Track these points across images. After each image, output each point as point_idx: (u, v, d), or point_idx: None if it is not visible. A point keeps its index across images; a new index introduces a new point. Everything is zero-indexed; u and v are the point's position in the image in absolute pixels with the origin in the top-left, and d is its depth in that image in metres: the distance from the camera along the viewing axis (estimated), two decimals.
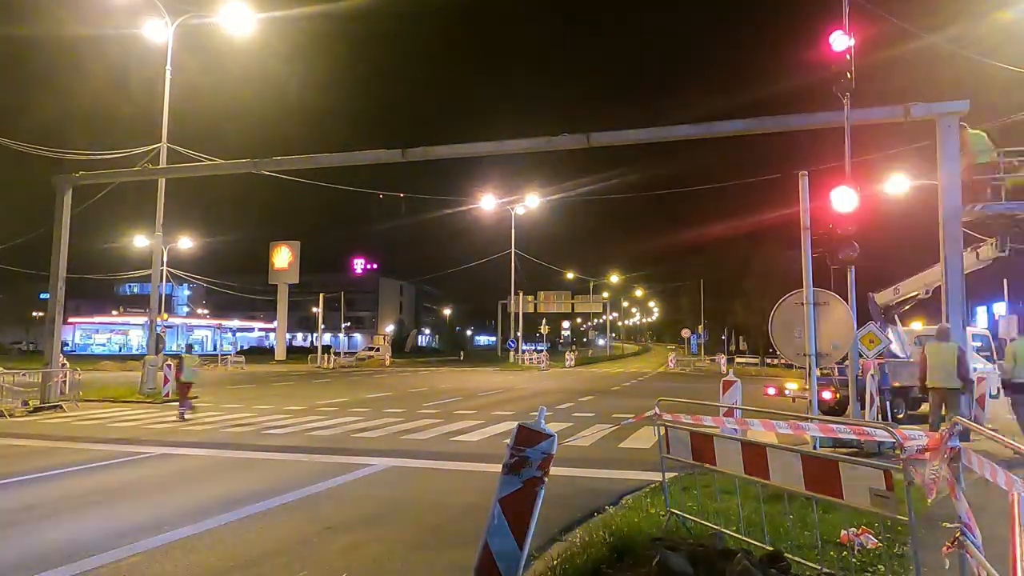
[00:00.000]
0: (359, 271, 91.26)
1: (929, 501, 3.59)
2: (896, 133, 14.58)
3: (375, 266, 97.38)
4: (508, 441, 3.97)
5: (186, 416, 15.88)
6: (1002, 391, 11.33)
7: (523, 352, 59.24)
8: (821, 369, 18.03)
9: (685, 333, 72.41)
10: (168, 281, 50.63)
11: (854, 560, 4.98)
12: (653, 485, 7.60)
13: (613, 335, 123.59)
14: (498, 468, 3.97)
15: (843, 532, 5.38)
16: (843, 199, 9.87)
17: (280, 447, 11.69)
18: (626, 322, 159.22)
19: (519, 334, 58.89)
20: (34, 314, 69.84)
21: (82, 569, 5.26)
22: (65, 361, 20.32)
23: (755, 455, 5.00)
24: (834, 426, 5.76)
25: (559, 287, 71.22)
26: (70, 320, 67.93)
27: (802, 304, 10.01)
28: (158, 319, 24.58)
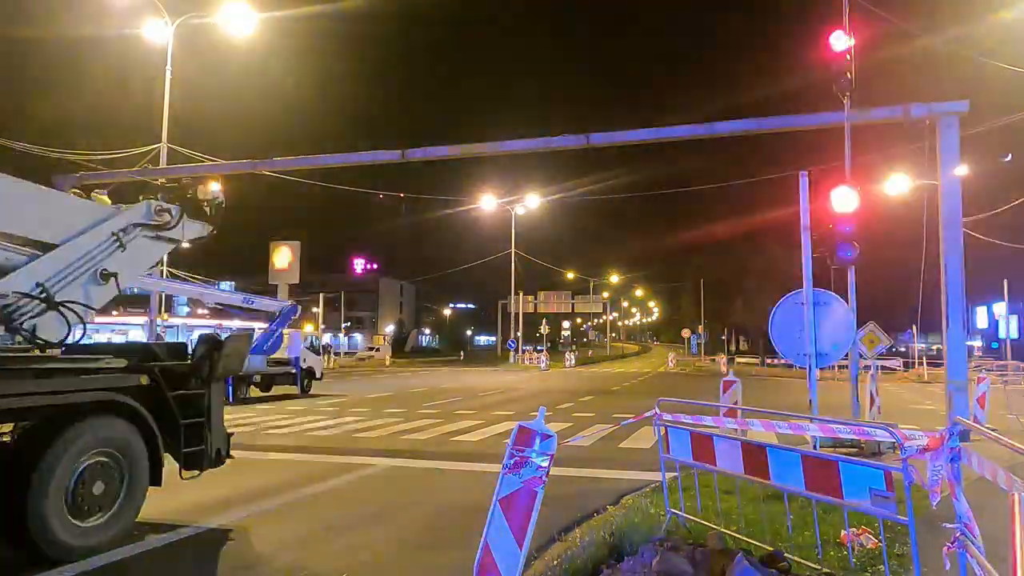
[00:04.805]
0: (359, 271, 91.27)
1: (934, 505, 3.58)
2: (896, 133, 14.59)
3: (375, 266, 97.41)
4: (508, 441, 3.97)
5: None
6: None
7: (523, 352, 59.25)
8: None
9: (685, 333, 72.42)
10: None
11: (854, 560, 4.98)
12: (653, 485, 7.59)
13: (614, 335, 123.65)
14: (498, 468, 3.97)
15: (843, 532, 5.38)
16: (843, 199, 9.86)
17: (280, 447, 11.69)
18: (626, 322, 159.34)
19: (519, 334, 58.90)
20: None
21: (82, 569, 5.26)
22: None
23: (755, 455, 5.00)
24: (834, 426, 5.75)
25: (559, 287, 71.22)
26: None
27: (802, 304, 10.01)
28: (158, 319, 24.59)
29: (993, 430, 5.89)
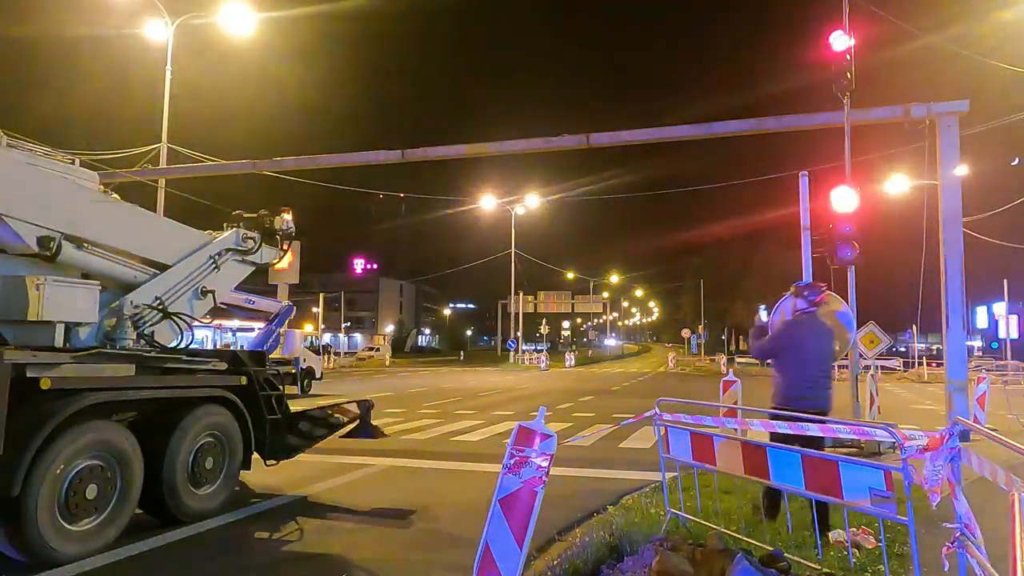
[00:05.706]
0: (359, 271, 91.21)
1: (934, 505, 3.58)
2: (896, 133, 14.60)
3: (375, 266, 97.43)
4: (508, 441, 3.97)
5: None
6: None
7: (523, 352, 59.28)
8: None
9: (685, 333, 72.43)
10: None
11: (854, 560, 4.98)
12: (653, 485, 7.59)
13: (613, 335, 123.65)
14: (498, 468, 3.97)
15: (843, 532, 5.38)
16: (843, 199, 9.88)
17: None
18: (626, 322, 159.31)
19: (519, 334, 58.90)
20: None
21: (82, 569, 5.26)
22: None
23: (755, 455, 5.00)
24: (834, 426, 5.75)
25: (559, 287, 71.22)
26: None
27: None
28: None
29: (993, 430, 5.90)
